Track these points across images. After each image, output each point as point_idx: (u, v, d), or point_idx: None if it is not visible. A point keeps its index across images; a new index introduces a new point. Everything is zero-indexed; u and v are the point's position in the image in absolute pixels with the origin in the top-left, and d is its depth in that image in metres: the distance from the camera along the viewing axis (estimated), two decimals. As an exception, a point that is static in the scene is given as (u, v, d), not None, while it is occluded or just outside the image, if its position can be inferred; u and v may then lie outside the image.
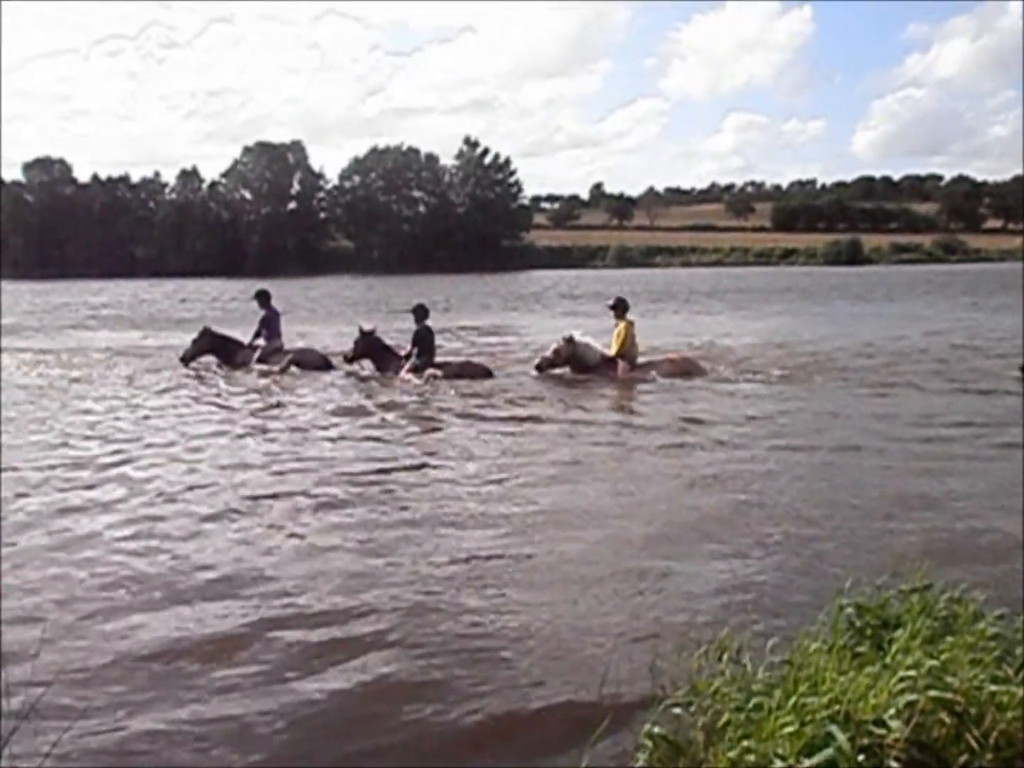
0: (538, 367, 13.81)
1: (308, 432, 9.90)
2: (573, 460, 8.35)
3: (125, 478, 7.81)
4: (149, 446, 9.14)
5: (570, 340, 13.74)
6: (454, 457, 8.60)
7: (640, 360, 13.84)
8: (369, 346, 14.55)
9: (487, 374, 13.73)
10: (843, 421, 10.16)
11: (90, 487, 7.53)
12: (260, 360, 15.26)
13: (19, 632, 4.51)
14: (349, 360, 14.66)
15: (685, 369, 13.52)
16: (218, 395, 12.87)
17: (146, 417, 11.00)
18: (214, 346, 15.78)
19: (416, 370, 13.80)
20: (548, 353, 13.90)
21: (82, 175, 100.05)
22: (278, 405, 11.79)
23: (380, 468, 8.11)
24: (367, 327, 14.79)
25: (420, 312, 14.36)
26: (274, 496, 7.19)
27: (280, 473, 7.96)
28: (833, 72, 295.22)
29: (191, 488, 7.38)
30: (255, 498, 7.12)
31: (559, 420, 10.43)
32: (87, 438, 9.64)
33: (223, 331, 16.32)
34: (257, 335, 15.67)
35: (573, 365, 13.70)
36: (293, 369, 14.73)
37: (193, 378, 14.34)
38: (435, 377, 13.47)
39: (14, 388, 13.49)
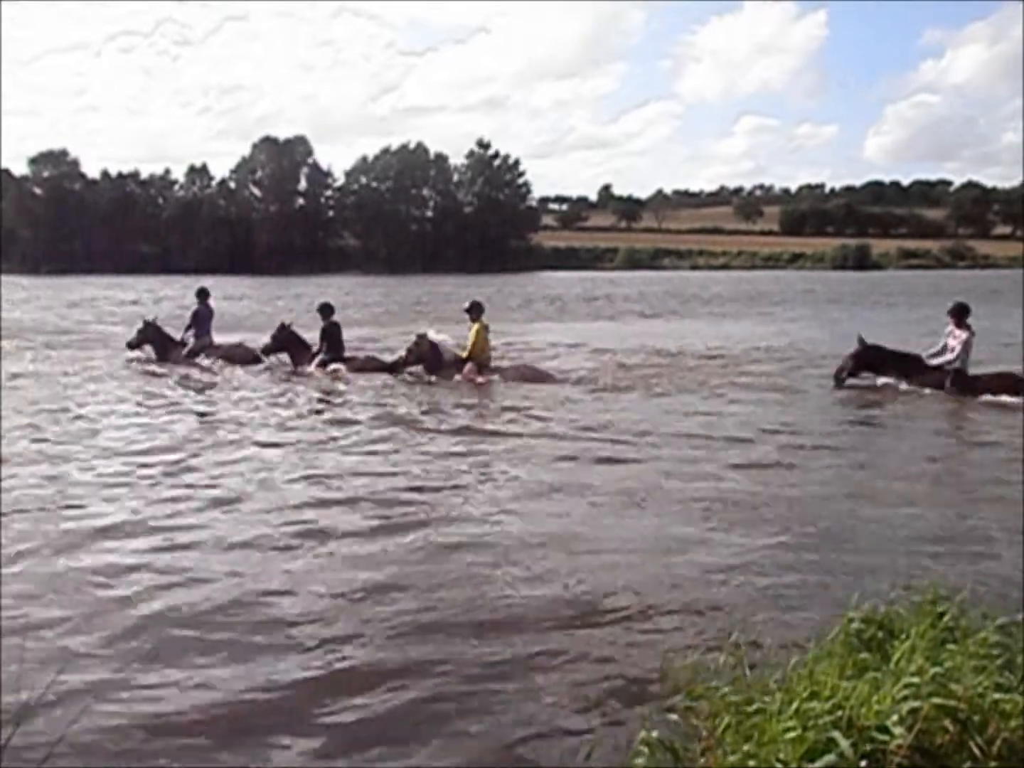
0: (393, 365, 14.34)
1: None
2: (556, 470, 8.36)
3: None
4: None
5: (423, 338, 14.19)
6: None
7: (493, 364, 14.12)
8: (286, 339, 15.45)
9: (388, 369, 14.36)
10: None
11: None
12: (191, 354, 16.11)
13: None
14: (267, 352, 15.63)
15: (529, 377, 13.68)
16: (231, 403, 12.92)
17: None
18: (154, 338, 16.72)
19: (324, 364, 14.66)
20: (402, 352, 14.34)
21: (94, 171, 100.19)
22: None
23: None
24: (286, 321, 15.90)
25: (326, 310, 15.14)
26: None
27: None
28: (847, 77, 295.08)
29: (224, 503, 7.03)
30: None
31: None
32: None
33: (163, 328, 17.17)
34: (188, 328, 16.63)
35: (426, 364, 14.08)
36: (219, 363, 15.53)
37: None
38: (338, 371, 14.40)
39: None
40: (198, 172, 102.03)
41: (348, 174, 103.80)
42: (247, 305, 34.35)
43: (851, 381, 13.00)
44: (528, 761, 3.47)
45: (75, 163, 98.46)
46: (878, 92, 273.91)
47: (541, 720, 3.74)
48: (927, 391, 12.26)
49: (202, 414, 11.10)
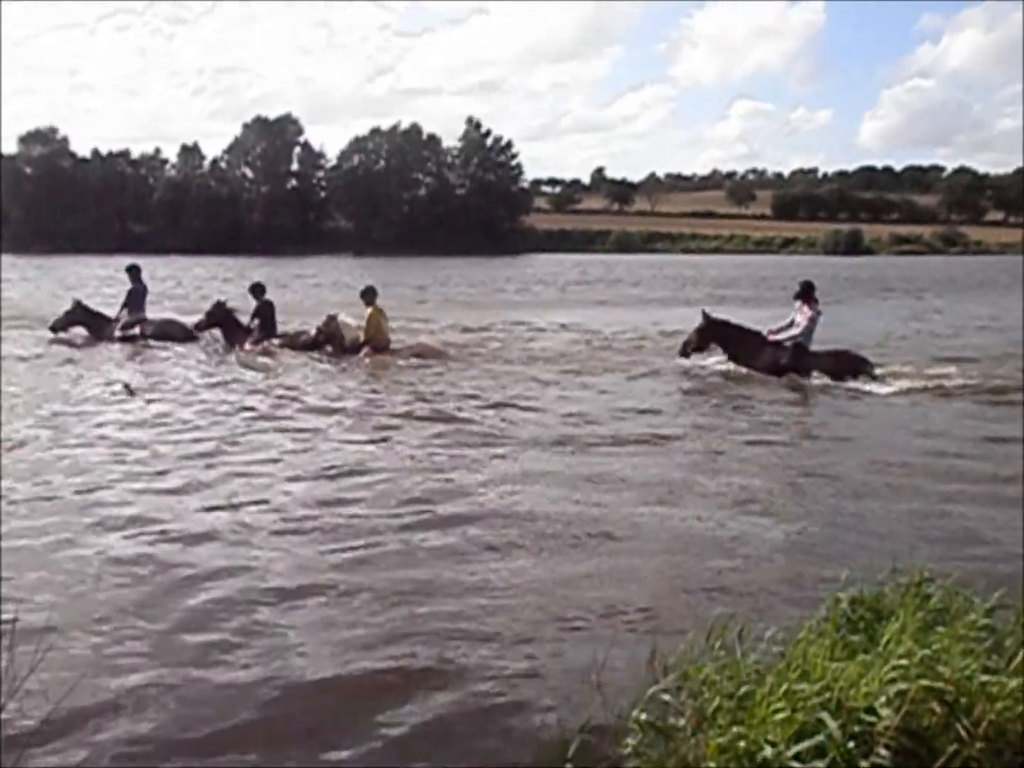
0: (306, 343, 14.86)
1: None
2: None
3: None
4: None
5: (332, 318, 14.77)
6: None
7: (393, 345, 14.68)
8: (221, 317, 15.81)
9: (315, 347, 14.74)
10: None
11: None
12: (123, 329, 16.23)
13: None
14: (200, 328, 15.95)
15: (425, 354, 14.28)
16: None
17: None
18: (83, 319, 16.76)
19: (257, 342, 15.16)
20: (312, 332, 14.94)
21: (88, 150, 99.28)
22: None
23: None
24: (222, 299, 16.41)
25: (259, 289, 15.64)
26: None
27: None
28: (843, 61, 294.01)
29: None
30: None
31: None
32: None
33: (92, 306, 17.34)
34: (123, 307, 16.64)
35: (333, 344, 14.59)
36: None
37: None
38: (270, 347, 14.97)
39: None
40: (190, 152, 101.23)
41: (341, 155, 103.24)
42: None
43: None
44: (518, 740, 3.50)
45: (64, 141, 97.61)
46: (874, 77, 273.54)
47: (532, 700, 3.76)
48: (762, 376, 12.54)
49: (155, 401, 10.71)
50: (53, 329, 16.59)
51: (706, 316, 13.23)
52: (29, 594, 4.74)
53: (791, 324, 12.88)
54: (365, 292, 14.78)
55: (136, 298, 16.58)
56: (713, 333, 13.19)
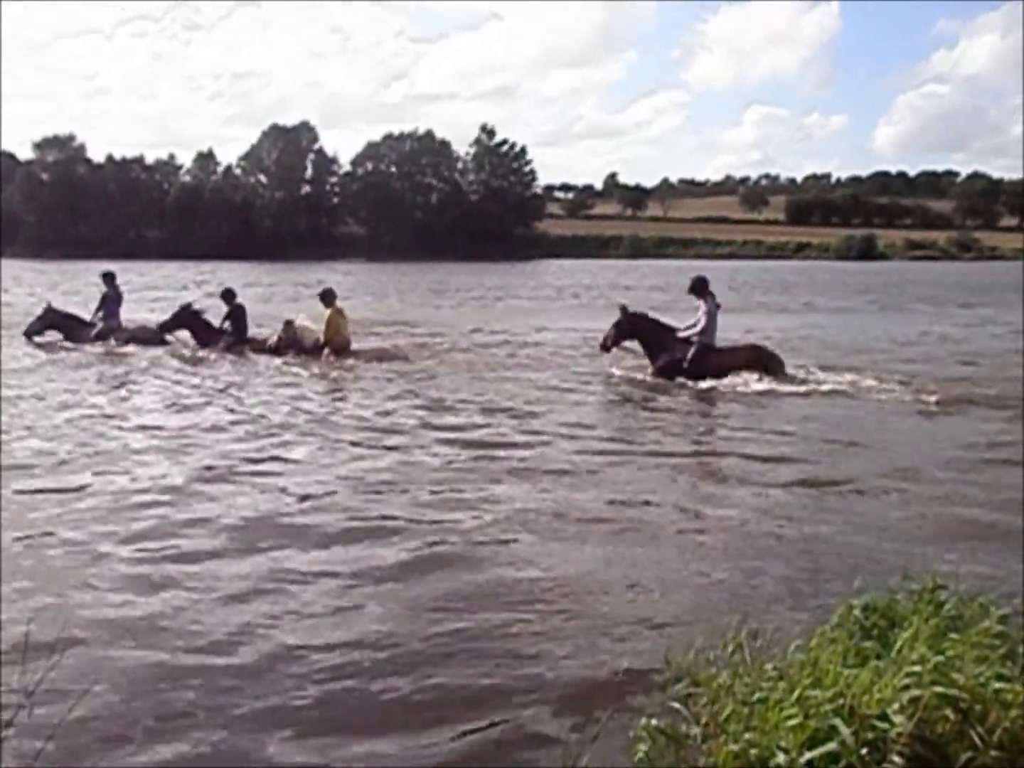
0: (269, 349, 15.00)
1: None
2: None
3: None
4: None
5: (290, 324, 15.00)
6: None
7: (354, 346, 14.91)
8: (190, 319, 15.99)
9: (277, 352, 14.86)
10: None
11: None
12: (98, 337, 16.24)
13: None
14: (165, 330, 16.04)
15: (383, 356, 14.60)
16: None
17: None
18: (57, 323, 16.81)
19: (230, 346, 15.38)
20: (273, 338, 15.16)
21: (103, 155, 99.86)
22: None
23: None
24: (189, 302, 16.70)
25: (229, 295, 15.89)
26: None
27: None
28: (859, 66, 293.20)
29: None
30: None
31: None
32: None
33: (65, 309, 17.43)
34: (97, 311, 16.76)
35: (294, 348, 14.77)
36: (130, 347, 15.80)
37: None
38: (242, 351, 15.21)
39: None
40: (205, 158, 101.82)
41: (354, 160, 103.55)
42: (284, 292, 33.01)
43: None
44: (531, 748, 3.49)
45: (81, 148, 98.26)
46: (889, 82, 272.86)
47: (546, 707, 3.76)
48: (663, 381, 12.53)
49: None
50: (27, 335, 16.51)
51: (624, 310, 13.42)
52: (42, 610, 4.63)
53: (696, 323, 12.95)
54: (324, 295, 14.91)
55: (110, 304, 16.71)
56: (630, 327, 13.34)
